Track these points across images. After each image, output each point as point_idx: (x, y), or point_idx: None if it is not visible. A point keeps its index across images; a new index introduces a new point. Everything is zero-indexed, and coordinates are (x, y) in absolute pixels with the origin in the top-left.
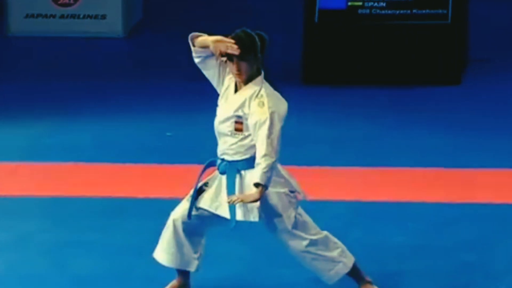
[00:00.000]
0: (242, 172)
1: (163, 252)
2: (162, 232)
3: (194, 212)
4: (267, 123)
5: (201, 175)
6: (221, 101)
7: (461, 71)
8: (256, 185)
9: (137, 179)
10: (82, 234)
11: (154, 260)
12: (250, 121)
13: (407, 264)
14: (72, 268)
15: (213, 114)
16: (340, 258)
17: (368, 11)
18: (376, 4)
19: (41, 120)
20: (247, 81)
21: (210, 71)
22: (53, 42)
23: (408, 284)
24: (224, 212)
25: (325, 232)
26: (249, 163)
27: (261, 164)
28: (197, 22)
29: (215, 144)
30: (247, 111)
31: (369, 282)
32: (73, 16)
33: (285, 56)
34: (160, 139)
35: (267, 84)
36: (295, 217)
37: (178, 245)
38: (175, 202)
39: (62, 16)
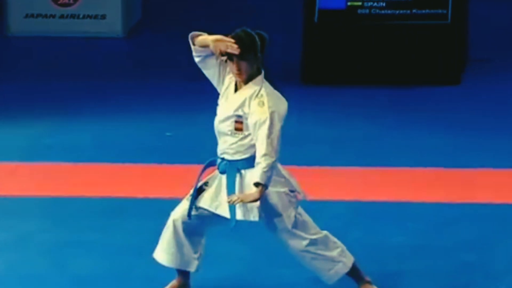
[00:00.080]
0: (242, 171)
1: (163, 252)
2: (162, 232)
3: (194, 212)
4: (267, 122)
5: (201, 174)
6: (221, 101)
7: (460, 71)
8: (256, 184)
9: (137, 179)
10: (82, 234)
11: (154, 260)
12: (250, 121)
13: (407, 264)
14: (72, 268)
15: (213, 114)
16: (339, 258)
17: (367, 11)
18: (375, 4)
19: (41, 120)
20: (247, 80)
21: (210, 70)
22: (52, 42)
23: (408, 284)
24: (224, 212)
25: (324, 232)
26: (249, 162)
27: (261, 163)
28: (197, 22)
29: (215, 144)
30: (247, 110)
31: (369, 282)
32: (72, 16)
33: (285, 56)
34: (160, 139)
35: (267, 84)
36: (295, 216)
37: (178, 245)
38: (175, 202)
39: (61, 16)
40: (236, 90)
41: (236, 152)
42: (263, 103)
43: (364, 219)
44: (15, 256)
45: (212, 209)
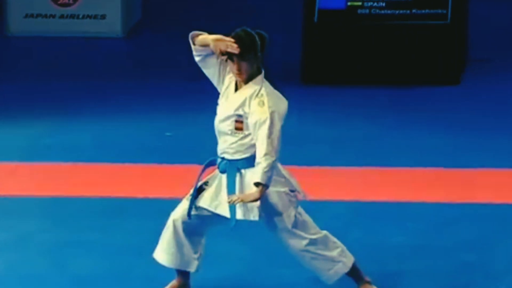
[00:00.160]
0: (242, 171)
1: (163, 253)
2: (162, 232)
3: (194, 212)
4: (267, 122)
5: (201, 174)
6: (221, 100)
7: (460, 71)
8: (257, 184)
9: (137, 179)
10: (82, 234)
11: (154, 260)
12: (250, 120)
13: (407, 264)
14: (72, 268)
15: (213, 114)
16: (339, 257)
17: (367, 11)
18: (375, 4)
19: (41, 120)
20: (247, 80)
21: (210, 70)
22: (52, 42)
23: (408, 284)
24: (224, 211)
25: (324, 232)
26: (249, 162)
27: (262, 163)
28: (197, 22)
29: (215, 144)
30: (247, 110)
31: (368, 282)
32: (72, 16)
33: (285, 56)
34: (160, 139)
35: (267, 83)
36: (295, 216)
37: (178, 245)
38: (175, 202)
39: (61, 16)
40: (236, 89)
41: (236, 152)
42: (263, 103)
43: (364, 219)
44: (15, 256)
45: (212, 209)
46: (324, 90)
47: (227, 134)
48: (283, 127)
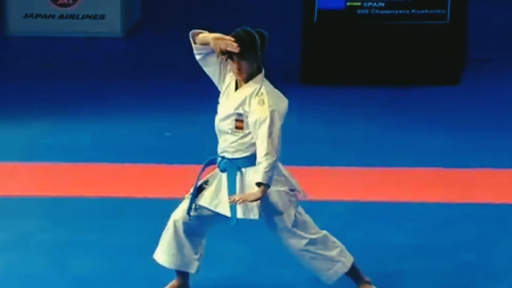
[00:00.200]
0: (243, 169)
1: (163, 254)
2: (163, 233)
3: (194, 213)
4: (267, 121)
5: (201, 173)
6: (222, 99)
7: (460, 71)
8: (258, 184)
9: (137, 179)
10: (82, 234)
11: (154, 260)
12: (250, 119)
13: (407, 264)
14: (72, 268)
15: (212, 114)
16: (339, 257)
17: (367, 11)
18: (375, 4)
19: (41, 120)
20: (247, 79)
21: (211, 68)
22: (52, 42)
23: (407, 284)
24: (224, 210)
25: (324, 232)
26: (250, 160)
27: (263, 163)
28: (196, 21)
29: (214, 144)
30: (247, 109)
31: (368, 282)
32: (72, 16)
33: (284, 56)
34: (159, 139)
35: (267, 82)
36: (295, 215)
37: (179, 246)
38: (174, 202)
39: (61, 16)
40: (236, 88)
41: (237, 151)
42: (263, 102)
43: (364, 219)
44: (15, 256)
45: (212, 207)
46: (324, 90)
47: (227, 133)
48: (283, 127)
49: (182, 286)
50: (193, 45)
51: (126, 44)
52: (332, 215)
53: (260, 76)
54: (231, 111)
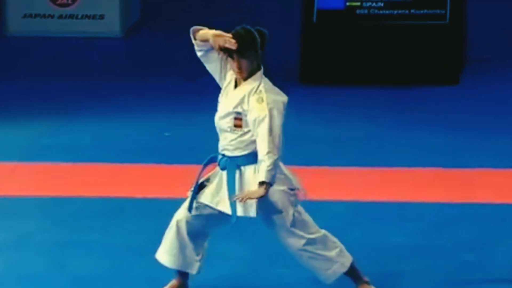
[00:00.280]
0: (242, 168)
1: (166, 254)
2: (165, 233)
3: (195, 212)
4: (267, 120)
5: (202, 170)
6: (222, 97)
7: (459, 71)
8: (261, 183)
9: (137, 179)
10: (82, 234)
11: (154, 260)
12: (250, 117)
13: (407, 264)
14: (72, 268)
15: (212, 114)
16: (337, 258)
17: (366, 11)
18: (374, 4)
19: (40, 120)
20: (247, 77)
21: (212, 65)
22: (51, 42)
23: (407, 284)
24: (225, 207)
25: (323, 231)
26: (249, 159)
27: (265, 161)
28: (196, 21)
29: (214, 144)
30: (246, 107)
31: (367, 282)
32: (71, 16)
33: (284, 56)
34: (159, 139)
35: (266, 79)
36: (293, 215)
37: (181, 246)
38: (174, 202)
39: (60, 16)
40: (236, 86)
41: (236, 149)
42: (262, 99)
43: (364, 219)
44: (15, 256)
45: (213, 205)
46: (323, 90)
47: (226, 131)
48: (282, 127)
49: (182, 286)
50: (193, 41)
51: (125, 44)
52: (332, 215)
53: (259, 73)
54: (230, 109)
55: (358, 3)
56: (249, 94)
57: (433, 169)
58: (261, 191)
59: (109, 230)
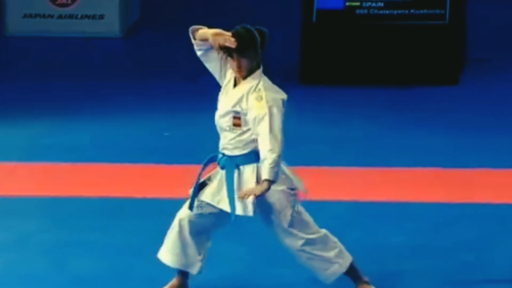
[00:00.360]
0: (241, 167)
1: (168, 253)
2: (168, 232)
3: (197, 211)
4: (267, 118)
5: (203, 169)
6: (221, 95)
7: (459, 71)
8: (264, 180)
9: (137, 179)
10: (82, 234)
11: (154, 260)
12: (249, 116)
13: (407, 264)
14: (71, 268)
15: (212, 114)
16: (336, 259)
17: (366, 11)
18: (374, 4)
19: (40, 120)
20: (246, 76)
21: (212, 64)
22: (51, 42)
23: (407, 284)
24: (226, 206)
25: (324, 231)
26: (248, 158)
27: (267, 159)
28: (195, 21)
29: (214, 144)
30: (244, 106)
31: (366, 282)
32: (71, 16)
33: (283, 56)
34: (159, 139)
35: (265, 78)
36: (292, 215)
37: (183, 246)
38: (174, 202)
39: (60, 16)
40: (235, 85)
41: (235, 148)
42: (261, 98)
43: (364, 219)
44: (15, 256)
45: (214, 203)
46: (323, 90)
47: (226, 130)
48: (282, 125)
49: (182, 285)
50: (193, 41)
51: (125, 44)
52: (331, 215)
53: (258, 72)
54: (229, 108)
55: (358, 3)
56: (247, 92)
57: (433, 169)
58: (264, 187)
59: (109, 230)
